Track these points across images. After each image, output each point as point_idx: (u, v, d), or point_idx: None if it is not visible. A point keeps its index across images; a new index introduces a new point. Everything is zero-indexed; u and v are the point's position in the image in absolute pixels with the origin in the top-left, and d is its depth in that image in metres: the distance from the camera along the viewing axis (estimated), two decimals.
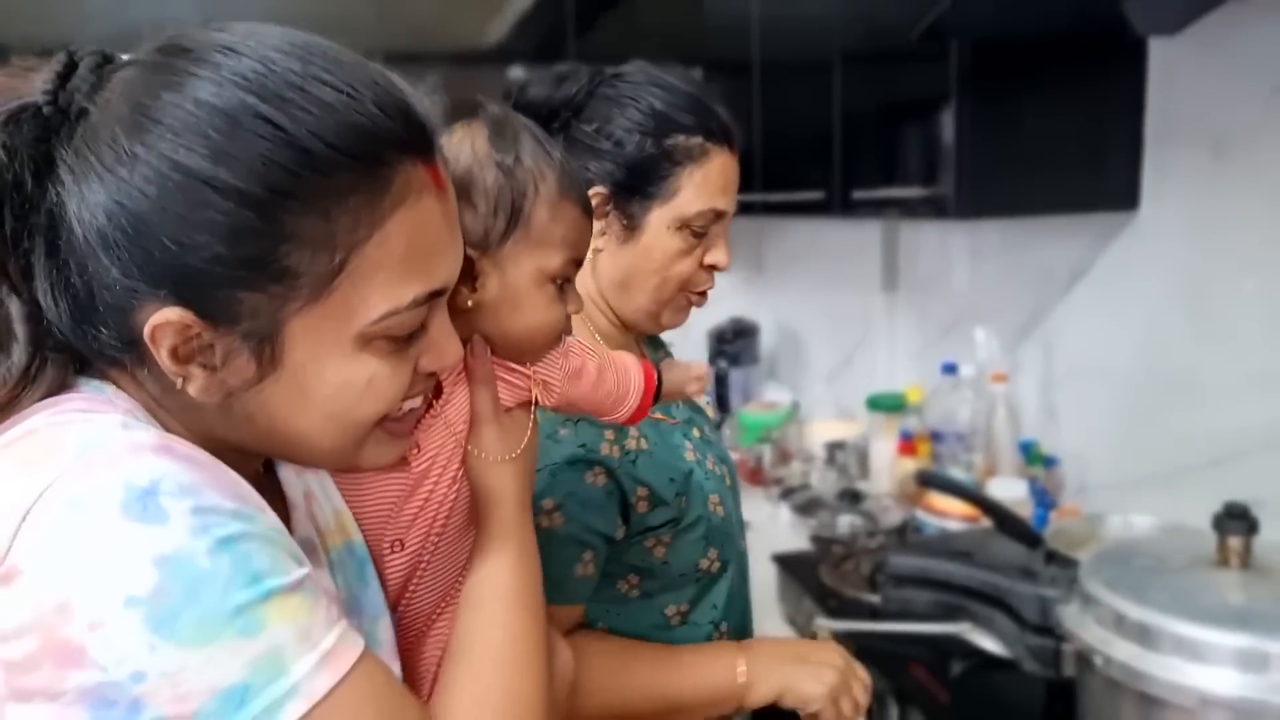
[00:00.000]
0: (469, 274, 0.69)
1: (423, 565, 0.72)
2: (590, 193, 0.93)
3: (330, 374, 0.56)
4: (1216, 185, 1.49)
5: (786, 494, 2.14)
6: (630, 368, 0.82)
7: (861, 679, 0.99)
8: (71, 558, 0.48)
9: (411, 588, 0.73)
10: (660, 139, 0.93)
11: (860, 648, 1.42)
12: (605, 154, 0.94)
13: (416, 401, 0.63)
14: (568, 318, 0.74)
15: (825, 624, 1.45)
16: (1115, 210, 1.64)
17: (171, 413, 0.58)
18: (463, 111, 0.72)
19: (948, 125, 1.54)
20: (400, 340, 0.58)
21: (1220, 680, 0.88)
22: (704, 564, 0.99)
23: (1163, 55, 1.55)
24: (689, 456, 1.00)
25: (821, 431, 2.35)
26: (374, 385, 0.57)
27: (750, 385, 2.72)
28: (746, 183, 2.18)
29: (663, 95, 0.94)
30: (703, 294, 1.01)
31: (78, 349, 0.57)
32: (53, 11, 2.04)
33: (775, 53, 2.08)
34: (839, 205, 1.88)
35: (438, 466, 0.70)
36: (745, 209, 2.21)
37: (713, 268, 0.99)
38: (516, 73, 1.06)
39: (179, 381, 0.55)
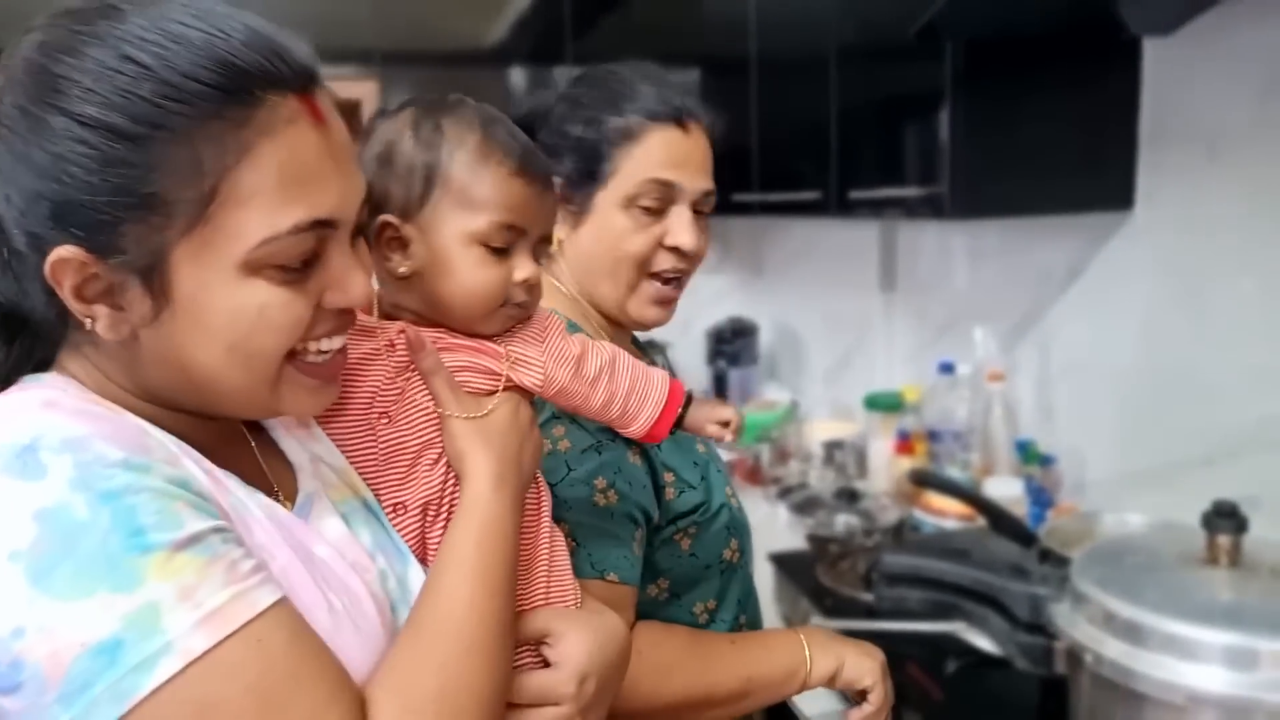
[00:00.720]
0: (400, 243, 0.73)
1: (433, 531, 0.72)
2: None
3: (220, 302, 0.57)
4: (1211, 185, 1.50)
5: (784, 493, 2.15)
6: (655, 379, 0.81)
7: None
8: None
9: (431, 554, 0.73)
10: (598, 124, 0.97)
11: None
12: (561, 150, 0.98)
13: (334, 343, 0.64)
14: (510, 283, 0.74)
15: (821, 623, 1.46)
16: (1110, 210, 1.64)
17: (121, 385, 0.60)
18: (411, 101, 0.76)
19: (943, 125, 1.54)
20: (293, 271, 0.58)
21: (1209, 678, 0.89)
22: (727, 554, 1.01)
23: (1157, 55, 1.56)
24: (699, 449, 1.03)
25: (819, 431, 2.35)
26: (266, 314, 0.58)
27: (749, 385, 2.73)
28: (744, 183, 2.19)
29: (609, 86, 0.98)
30: (670, 281, 1.01)
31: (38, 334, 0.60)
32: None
33: (772, 52, 2.09)
34: (835, 205, 1.88)
35: (415, 435, 0.72)
36: (743, 209, 2.22)
37: (675, 249, 0.99)
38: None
39: (88, 323, 0.57)
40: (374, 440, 0.73)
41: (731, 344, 2.73)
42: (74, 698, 0.48)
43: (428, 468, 0.72)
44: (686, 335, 2.76)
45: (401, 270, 0.74)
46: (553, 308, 0.93)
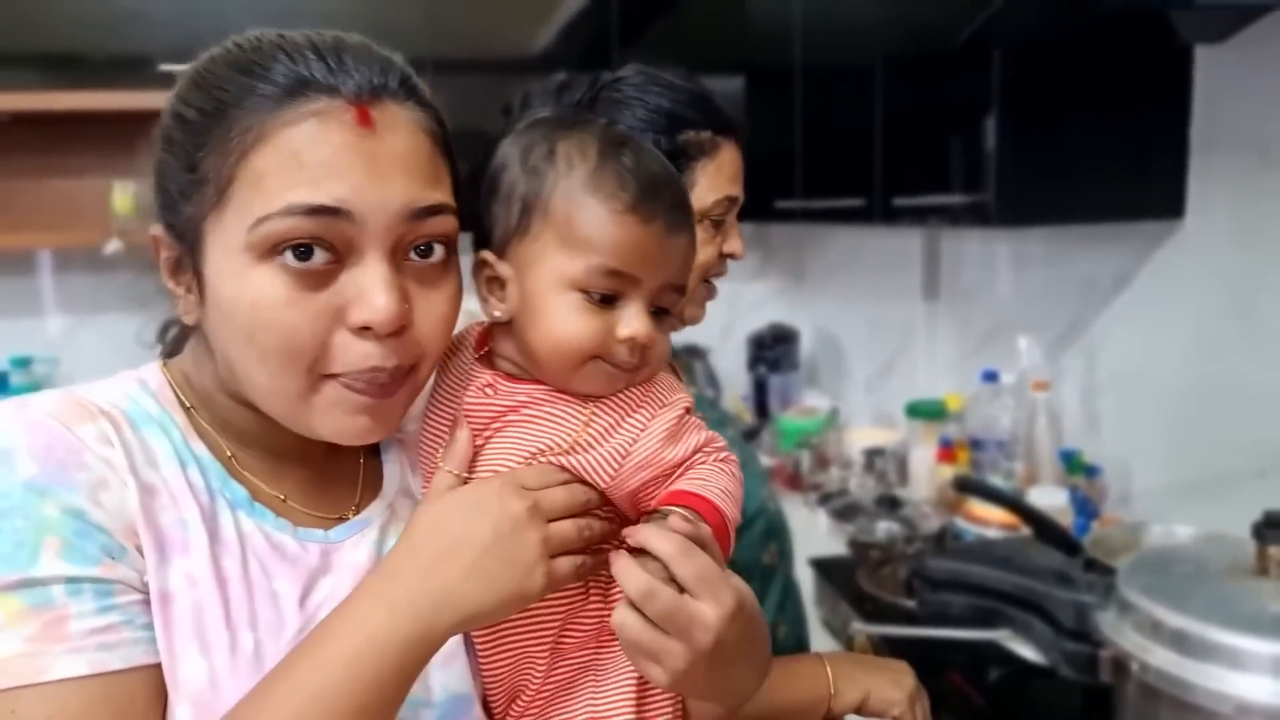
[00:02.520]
0: (497, 282, 0.65)
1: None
2: None
3: (228, 288, 0.58)
4: (1264, 193, 1.48)
5: (824, 499, 2.15)
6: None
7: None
8: None
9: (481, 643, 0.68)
10: (672, 136, 0.93)
11: (896, 653, 1.43)
12: None
13: (372, 360, 0.59)
14: (610, 338, 0.63)
15: (862, 628, 1.46)
16: (1160, 219, 1.63)
17: (210, 377, 0.64)
18: (541, 119, 0.68)
19: (989, 133, 1.54)
20: (302, 274, 0.57)
21: (1257, 688, 0.88)
22: (766, 558, 1.01)
23: (1209, 63, 1.54)
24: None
25: (860, 438, 2.35)
26: (260, 307, 0.57)
27: (789, 391, 2.73)
28: (787, 189, 2.20)
29: (667, 94, 0.95)
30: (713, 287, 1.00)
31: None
32: (122, 23, 2.12)
33: (817, 60, 2.09)
34: (880, 212, 1.88)
35: None
36: (786, 216, 2.23)
37: (730, 255, 1.00)
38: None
39: (176, 302, 0.62)
40: None
41: (772, 350, 2.73)
42: None
43: None
44: (727, 341, 2.77)
45: (496, 314, 0.65)
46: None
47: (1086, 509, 1.74)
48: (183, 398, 0.64)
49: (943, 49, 1.60)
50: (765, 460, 2.30)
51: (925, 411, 2.16)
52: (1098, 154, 1.56)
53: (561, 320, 0.62)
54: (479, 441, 0.65)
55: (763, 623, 0.64)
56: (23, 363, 2.30)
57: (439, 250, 0.62)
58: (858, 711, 0.95)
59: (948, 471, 2.01)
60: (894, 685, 0.94)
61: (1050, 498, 1.75)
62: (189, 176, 0.58)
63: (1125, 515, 1.75)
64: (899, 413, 2.27)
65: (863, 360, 2.69)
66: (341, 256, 0.58)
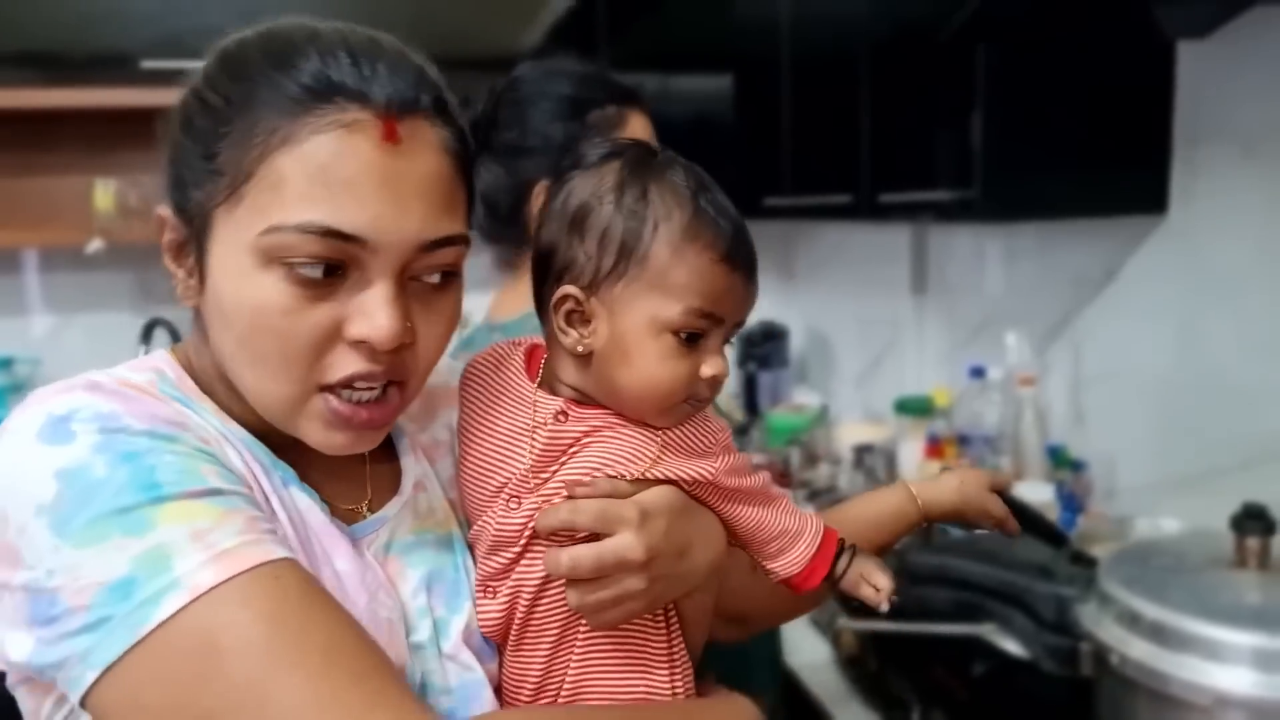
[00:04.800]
0: (581, 318, 0.66)
1: (515, 630, 0.68)
2: (536, 188, 0.96)
3: (229, 285, 0.59)
4: (1246, 187, 1.48)
5: (814, 496, 2.15)
6: (810, 521, 0.72)
7: None
8: (3, 477, 0.56)
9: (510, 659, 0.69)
10: (580, 118, 0.97)
11: (882, 648, 1.43)
12: (535, 150, 0.99)
13: (364, 369, 0.59)
14: (697, 380, 0.67)
15: (848, 624, 1.46)
16: (1144, 213, 1.63)
17: (214, 366, 0.64)
18: (619, 152, 0.69)
19: (975, 128, 1.54)
20: (310, 281, 0.57)
21: (1236, 680, 0.88)
22: None
23: (1192, 57, 1.54)
24: None
25: (849, 434, 2.35)
26: (262, 312, 0.57)
27: (779, 388, 2.73)
28: (775, 186, 2.20)
29: (565, 81, 1.00)
30: None
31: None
32: (100, 20, 2.11)
33: (804, 54, 2.09)
34: (867, 208, 1.88)
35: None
36: (774, 213, 2.23)
37: None
38: None
39: (176, 284, 0.63)
40: (492, 513, 0.68)
41: (762, 347, 2.73)
42: (94, 629, 0.53)
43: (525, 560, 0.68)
44: None
45: (579, 349, 0.66)
46: None
47: (1072, 504, 1.74)
48: (200, 384, 0.65)
49: (927, 43, 1.60)
50: (756, 457, 2.30)
51: (913, 408, 2.16)
52: (1082, 148, 1.56)
53: (657, 365, 0.65)
54: (553, 467, 0.67)
55: (681, 503, 0.67)
56: (4, 363, 2.28)
57: (444, 275, 0.63)
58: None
59: (936, 467, 2.01)
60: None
61: (1036, 493, 1.75)
62: (205, 164, 0.58)
63: (1111, 510, 1.75)
64: (888, 409, 2.27)
65: (852, 356, 2.69)
66: (348, 273, 0.58)
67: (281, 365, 0.59)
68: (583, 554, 0.62)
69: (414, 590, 0.67)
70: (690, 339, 0.66)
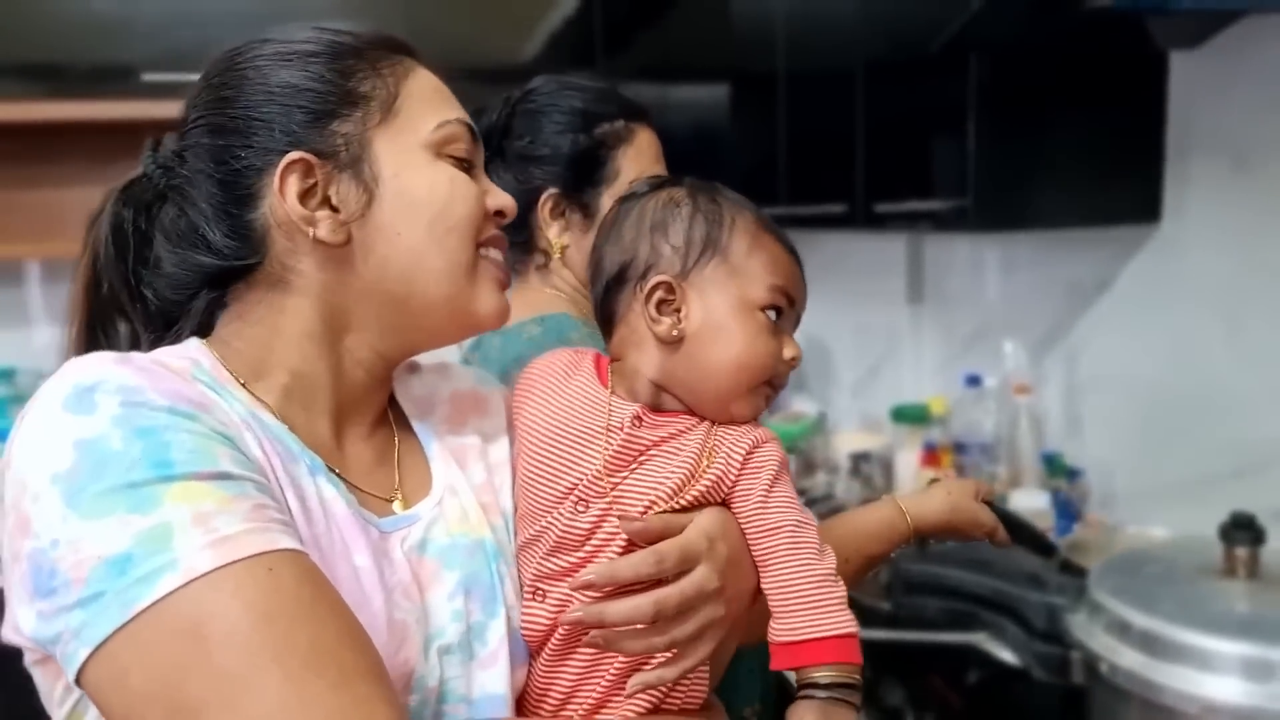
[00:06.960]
0: (672, 305, 0.72)
1: (559, 638, 0.68)
2: (544, 196, 0.99)
3: (419, 176, 0.68)
4: (1238, 197, 1.49)
5: (810, 504, 2.15)
6: (845, 609, 0.69)
7: None
8: (26, 444, 0.56)
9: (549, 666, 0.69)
10: (589, 131, 1.00)
11: (877, 656, 1.44)
12: (545, 159, 1.01)
13: (498, 235, 0.72)
14: (779, 359, 0.72)
15: None
16: (1137, 223, 1.64)
17: (250, 366, 0.66)
18: (670, 181, 0.77)
19: (969, 138, 1.55)
20: (465, 168, 0.70)
21: (1225, 688, 0.89)
22: None
23: (1183, 68, 1.56)
24: None
25: (846, 442, 2.35)
26: (457, 183, 0.69)
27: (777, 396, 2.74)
28: (771, 196, 2.21)
29: (578, 95, 1.02)
30: None
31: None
32: (103, 34, 2.12)
33: (800, 66, 2.11)
34: (863, 218, 1.89)
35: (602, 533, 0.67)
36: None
37: None
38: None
39: (310, 232, 0.65)
40: (558, 514, 0.69)
41: None
42: (88, 604, 0.53)
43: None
44: None
45: (674, 334, 0.71)
46: (564, 312, 0.95)
47: (1068, 511, 1.75)
48: (234, 372, 0.66)
49: (921, 54, 1.61)
50: None
51: (910, 416, 2.17)
52: (1075, 159, 1.57)
53: (750, 342, 0.71)
54: (623, 473, 0.69)
55: (725, 516, 0.70)
56: (6, 375, 2.29)
57: None
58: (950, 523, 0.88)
59: (932, 475, 2.01)
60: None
61: (1032, 500, 1.76)
62: (343, 99, 0.66)
63: (1107, 517, 1.76)
64: (885, 417, 2.27)
65: (849, 365, 2.70)
66: (473, 162, 0.72)
67: (469, 229, 0.69)
68: (667, 596, 0.64)
69: (451, 593, 0.67)
70: (775, 317, 0.73)
